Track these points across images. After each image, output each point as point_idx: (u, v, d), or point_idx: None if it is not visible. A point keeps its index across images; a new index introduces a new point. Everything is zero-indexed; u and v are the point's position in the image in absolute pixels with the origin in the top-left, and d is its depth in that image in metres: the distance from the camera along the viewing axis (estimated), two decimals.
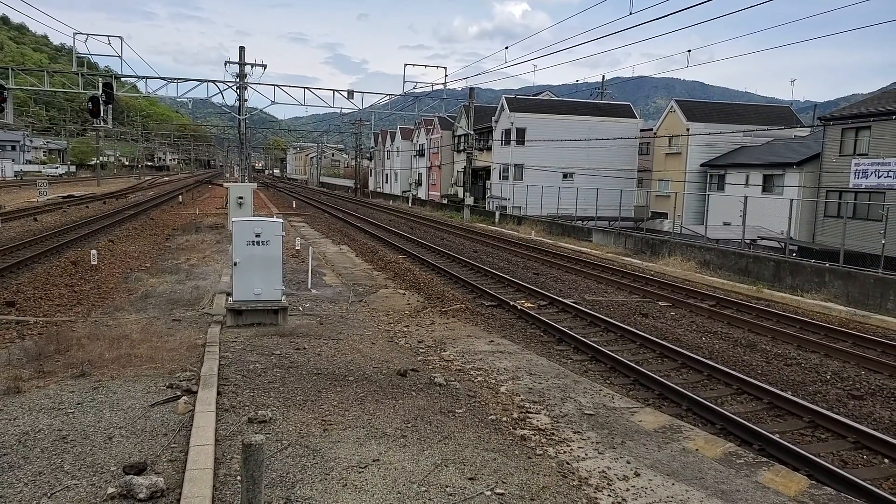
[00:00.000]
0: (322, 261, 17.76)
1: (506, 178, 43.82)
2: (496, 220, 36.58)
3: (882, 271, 15.96)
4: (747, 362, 10.24)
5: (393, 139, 72.88)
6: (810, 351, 11.08)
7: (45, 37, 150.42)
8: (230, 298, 9.89)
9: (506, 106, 44.02)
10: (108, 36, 27.16)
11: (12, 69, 29.88)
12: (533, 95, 51.03)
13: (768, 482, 5.19)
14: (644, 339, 10.93)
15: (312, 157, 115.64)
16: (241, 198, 21.56)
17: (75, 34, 27.14)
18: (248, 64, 30.98)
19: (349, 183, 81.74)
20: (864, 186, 27.40)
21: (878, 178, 26.73)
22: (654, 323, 12.76)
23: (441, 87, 34.53)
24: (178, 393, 6.47)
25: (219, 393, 6.53)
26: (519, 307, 13.09)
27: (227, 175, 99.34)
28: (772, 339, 11.83)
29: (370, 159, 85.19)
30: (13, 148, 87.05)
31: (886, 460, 6.79)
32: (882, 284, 15.24)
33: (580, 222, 31.71)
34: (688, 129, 37.56)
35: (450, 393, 7.00)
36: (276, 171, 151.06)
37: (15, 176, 75.27)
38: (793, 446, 6.74)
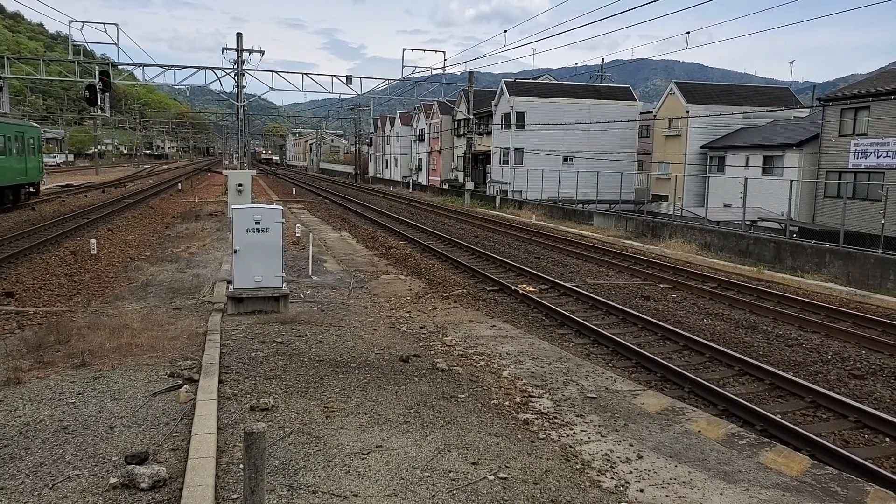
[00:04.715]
0: (322, 247, 17.72)
1: (506, 162, 43.64)
2: (497, 205, 36.48)
3: (882, 251, 15.92)
4: (749, 343, 10.24)
5: (392, 124, 72.50)
6: (811, 331, 11.08)
7: (41, 25, 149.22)
8: (231, 286, 9.87)
9: (505, 90, 43.70)
10: (104, 23, 26.96)
11: (8, 58, 29.62)
12: (532, 79, 50.68)
13: (770, 462, 5.19)
14: (646, 321, 10.92)
15: (312, 144, 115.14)
16: (240, 185, 21.49)
17: (71, 22, 26.90)
18: (246, 50, 30.72)
19: (349, 169, 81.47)
20: (863, 167, 27.26)
21: (878, 158, 26.59)
22: (655, 306, 12.75)
23: (440, 71, 34.26)
24: (180, 381, 6.47)
25: (220, 381, 6.52)
26: (520, 291, 13.08)
27: (227, 162, 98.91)
28: (773, 321, 11.83)
29: (370, 145, 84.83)
30: None
31: (888, 439, 6.81)
32: (882, 264, 15.21)
33: (581, 206, 31.62)
34: (687, 112, 37.31)
35: (452, 378, 7.00)
36: (276, 158, 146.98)
37: None
38: (794, 426, 6.75)
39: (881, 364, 9.29)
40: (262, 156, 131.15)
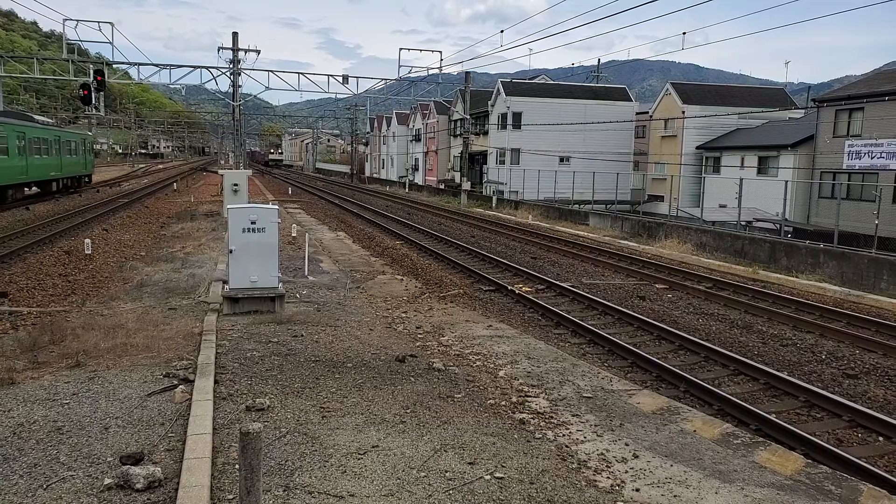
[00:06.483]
0: (319, 247, 17.70)
1: (502, 162, 43.68)
2: (493, 205, 36.50)
3: (875, 251, 16.00)
4: (744, 343, 10.28)
5: (389, 124, 72.46)
6: (806, 331, 11.13)
7: (35, 23, 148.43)
8: (226, 286, 9.85)
9: (502, 90, 43.74)
10: (99, 22, 26.86)
11: (1, 56, 29.50)
12: (529, 79, 50.72)
13: (765, 462, 5.21)
14: (641, 321, 10.95)
15: (308, 143, 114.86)
16: (236, 185, 21.43)
17: (65, 20, 26.83)
18: (242, 50, 30.69)
19: (345, 169, 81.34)
20: (857, 167, 27.39)
21: (872, 159, 26.72)
22: (651, 305, 12.78)
23: (436, 71, 34.31)
24: (175, 382, 6.45)
25: (216, 381, 6.51)
26: (517, 291, 13.09)
27: (222, 162, 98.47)
28: (768, 320, 11.88)
29: (366, 145, 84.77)
30: None
31: (881, 438, 6.85)
32: (875, 264, 15.28)
33: (577, 206, 31.67)
34: (683, 112, 37.42)
35: (448, 378, 7.00)
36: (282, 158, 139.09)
37: None
38: (789, 426, 6.79)
39: (875, 364, 9.34)
40: (271, 156, 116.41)
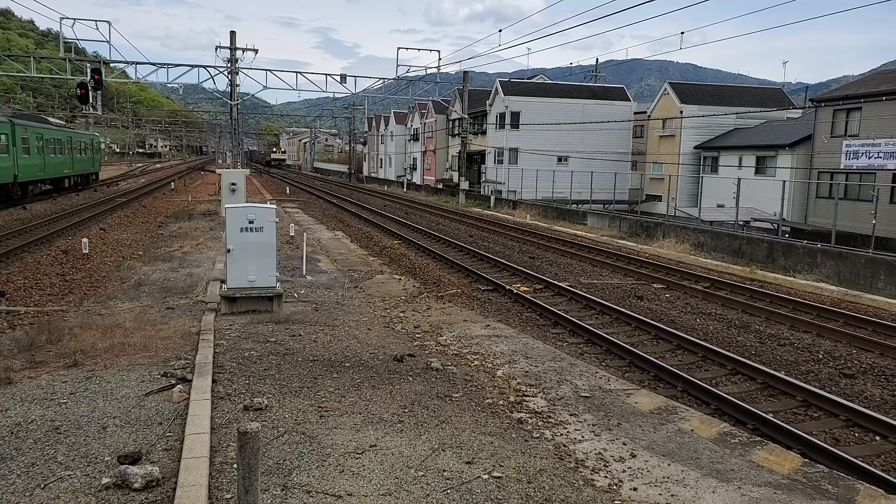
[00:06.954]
0: (317, 247, 17.69)
1: (501, 162, 43.69)
2: (491, 205, 36.51)
3: (872, 251, 16.03)
4: (741, 343, 10.30)
5: (387, 124, 72.42)
6: (803, 331, 11.15)
7: (31, 21, 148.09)
8: (224, 286, 9.84)
9: (500, 89, 43.74)
10: (96, 21, 26.77)
11: None
12: (527, 79, 50.73)
13: (762, 461, 5.23)
14: (639, 321, 10.96)
15: (305, 143, 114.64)
16: (233, 184, 21.33)
17: (62, 19, 26.73)
18: (240, 49, 30.65)
19: (343, 168, 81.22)
20: (855, 167, 27.46)
21: (869, 158, 26.78)
22: (649, 305, 12.80)
23: (434, 70, 34.32)
24: (173, 381, 6.44)
25: (214, 381, 6.51)
26: (515, 291, 13.10)
27: (220, 161, 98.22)
28: (765, 320, 11.90)
29: (364, 144, 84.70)
30: None
31: (878, 437, 6.87)
32: (873, 264, 15.32)
33: (575, 206, 31.69)
34: (681, 112, 37.45)
35: (446, 377, 7.00)
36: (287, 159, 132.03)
37: None
38: (786, 425, 6.80)
39: (871, 363, 9.37)
40: (273, 155, 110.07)
